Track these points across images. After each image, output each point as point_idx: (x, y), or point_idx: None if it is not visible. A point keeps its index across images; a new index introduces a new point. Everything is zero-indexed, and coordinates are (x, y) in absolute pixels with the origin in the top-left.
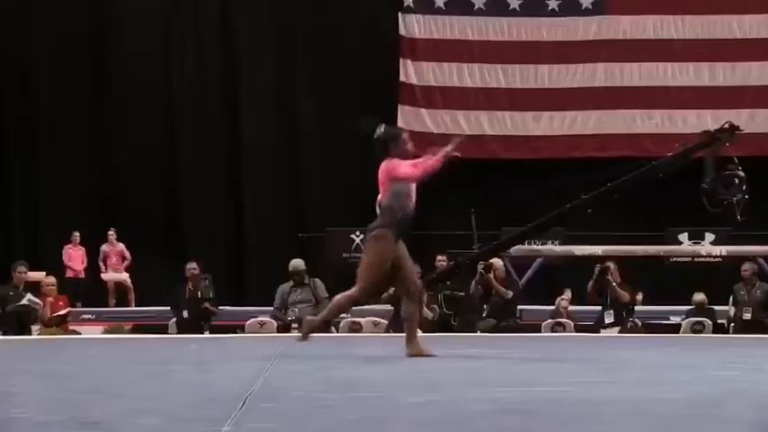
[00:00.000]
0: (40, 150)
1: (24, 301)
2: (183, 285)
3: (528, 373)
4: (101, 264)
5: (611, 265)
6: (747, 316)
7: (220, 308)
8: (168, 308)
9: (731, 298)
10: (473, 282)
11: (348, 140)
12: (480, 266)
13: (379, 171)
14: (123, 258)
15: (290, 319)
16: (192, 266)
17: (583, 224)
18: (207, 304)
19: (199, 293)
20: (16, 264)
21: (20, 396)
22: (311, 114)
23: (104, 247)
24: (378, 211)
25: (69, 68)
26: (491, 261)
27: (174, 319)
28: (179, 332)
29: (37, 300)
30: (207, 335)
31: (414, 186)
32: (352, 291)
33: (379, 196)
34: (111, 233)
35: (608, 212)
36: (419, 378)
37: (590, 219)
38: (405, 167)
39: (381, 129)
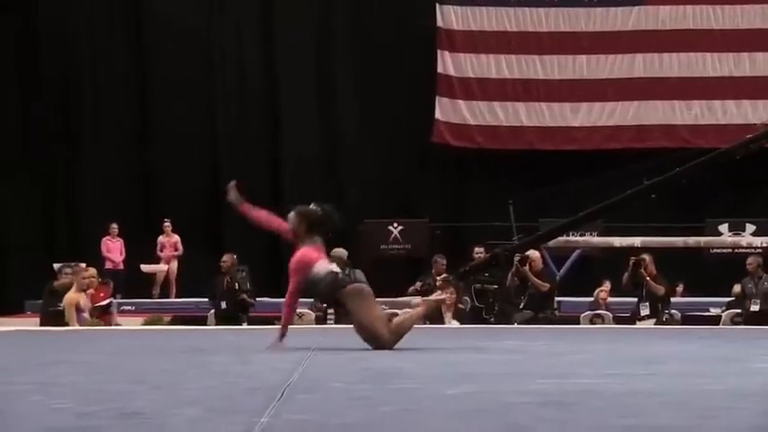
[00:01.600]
0: (81, 143)
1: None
2: (220, 277)
3: (566, 364)
4: (158, 254)
5: (646, 257)
6: (756, 308)
7: (258, 299)
8: (207, 299)
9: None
10: (510, 274)
11: (386, 134)
12: (516, 258)
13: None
14: (176, 250)
15: (328, 309)
16: (228, 258)
17: (621, 215)
18: (244, 296)
19: (236, 285)
20: (62, 266)
21: (62, 387)
22: (351, 107)
23: (161, 238)
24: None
25: (112, 61)
26: (527, 253)
27: (213, 311)
28: (217, 324)
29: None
30: (245, 326)
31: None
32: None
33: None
34: (167, 224)
35: (646, 203)
36: (456, 370)
37: (628, 210)
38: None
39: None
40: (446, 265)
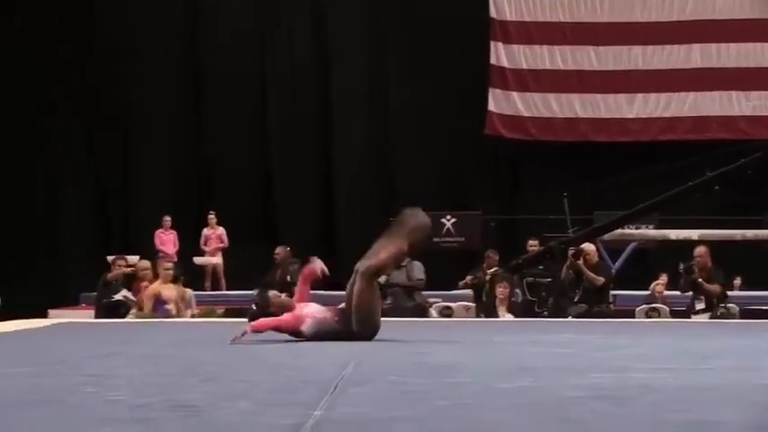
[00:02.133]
0: (134, 136)
1: (119, 297)
2: (273, 270)
3: (621, 358)
4: (202, 247)
5: (696, 260)
6: None
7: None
8: None
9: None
10: (564, 267)
11: (439, 126)
12: (571, 252)
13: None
14: (222, 243)
15: (387, 303)
16: (281, 251)
17: (676, 207)
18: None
19: (288, 278)
20: (116, 257)
21: (116, 379)
22: (403, 99)
23: (205, 231)
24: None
25: (163, 56)
26: (582, 247)
27: None
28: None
29: (132, 297)
30: None
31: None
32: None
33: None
34: (212, 216)
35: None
36: (511, 363)
37: (685, 202)
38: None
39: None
40: (499, 260)
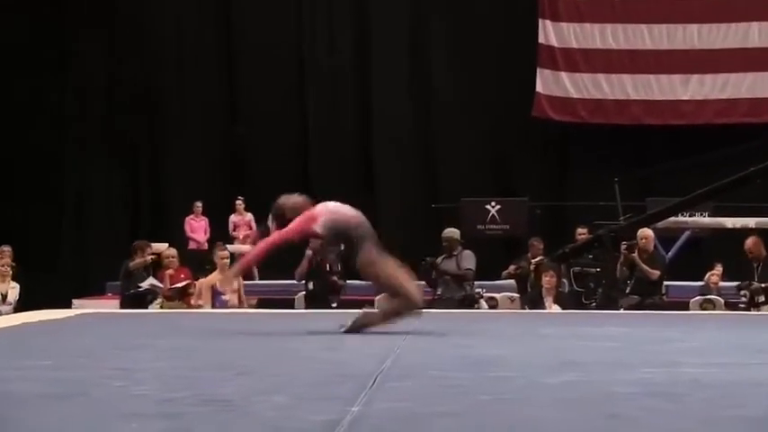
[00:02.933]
0: (165, 121)
1: (146, 285)
2: (308, 258)
3: (674, 352)
4: (232, 234)
5: (641, 242)
6: None
7: (350, 282)
8: (294, 281)
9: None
10: (618, 264)
11: (484, 108)
12: (624, 246)
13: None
14: (250, 229)
15: (438, 292)
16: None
17: (732, 194)
18: (334, 277)
19: (327, 266)
20: (138, 243)
21: (143, 372)
22: (446, 80)
23: (233, 218)
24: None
25: (195, 38)
26: (638, 233)
27: (302, 293)
28: (306, 306)
29: (159, 284)
30: (335, 309)
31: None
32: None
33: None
34: (239, 202)
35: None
36: (557, 357)
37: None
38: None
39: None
40: (544, 248)
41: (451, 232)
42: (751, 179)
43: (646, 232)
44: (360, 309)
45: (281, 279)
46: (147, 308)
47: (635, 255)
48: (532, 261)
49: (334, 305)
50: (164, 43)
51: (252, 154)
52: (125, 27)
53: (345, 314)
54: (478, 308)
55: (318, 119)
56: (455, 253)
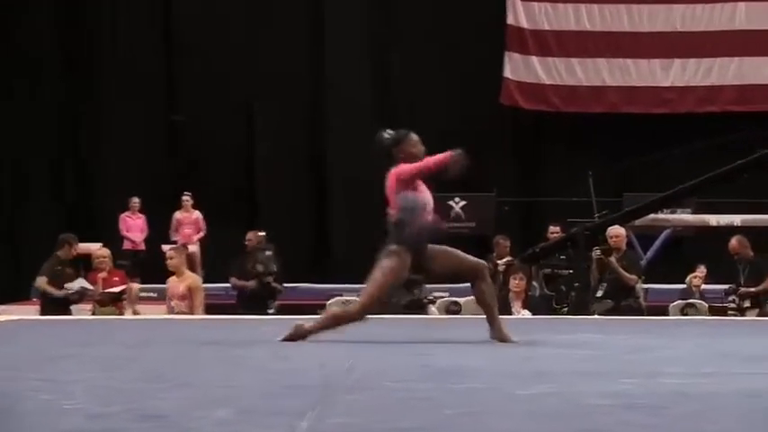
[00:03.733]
0: (100, 104)
1: (75, 287)
2: (242, 258)
3: (653, 362)
4: (171, 234)
5: (612, 241)
6: None
7: (296, 285)
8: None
9: None
10: (592, 267)
11: (447, 95)
12: (596, 252)
13: (387, 180)
14: (198, 229)
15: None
16: (253, 236)
17: (717, 189)
18: (269, 279)
19: (260, 267)
20: (65, 236)
21: (72, 385)
22: (406, 65)
23: (177, 215)
24: (389, 227)
25: (134, 25)
26: (610, 237)
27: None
28: (241, 312)
29: (90, 286)
30: (273, 315)
31: (428, 197)
32: (353, 308)
33: (390, 210)
34: (186, 198)
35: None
36: (527, 367)
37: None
38: (407, 166)
39: (385, 134)
40: (511, 247)
41: None
42: (737, 173)
43: (617, 230)
44: (300, 315)
45: (223, 282)
46: (72, 313)
47: (612, 259)
48: (499, 262)
49: (271, 311)
50: (98, 33)
51: (191, 144)
52: (60, 10)
53: (290, 320)
54: (426, 314)
55: (266, 106)
56: None
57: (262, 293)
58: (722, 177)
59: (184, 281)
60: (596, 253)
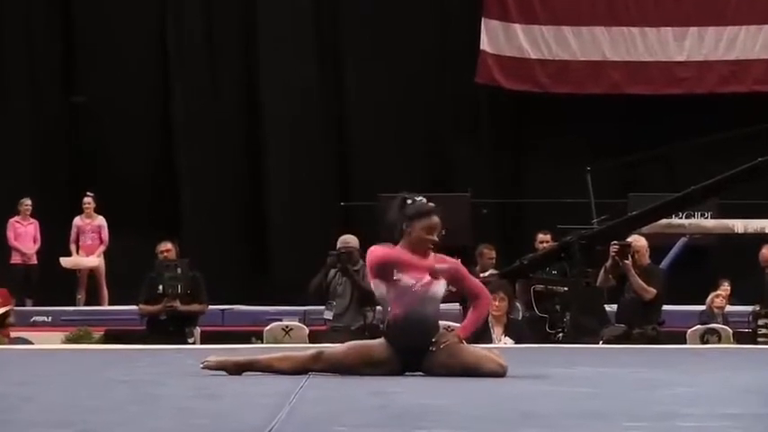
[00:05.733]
0: None
1: None
2: (149, 277)
3: (667, 401)
4: (72, 245)
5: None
6: None
7: (233, 307)
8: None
9: None
10: (602, 270)
11: (411, 75)
12: (614, 249)
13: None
14: (100, 238)
15: (326, 318)
16: (164, 248)
17: (743, 190)
18: (174, 304)
19: (160, 287)
20: None
21: None
22: (360, 37)
23: (78, 221)
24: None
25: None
26: (629, 240)
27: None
28: (150, 340)
29: None
30: (197, 345)
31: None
32: (306, 356)
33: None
34: (88, 200)
35: None
36: (511, 407)
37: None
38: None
39: (409, 199)
40: (497, 258)
41: (348, 240)
42: (766, 169)
43: (640, 243)
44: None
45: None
46: None
47: (628, 262)
48: (482, 275)
49: (191, 340)
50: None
51: (94, 135)
52: None
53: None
54: None
55: (190, 98)
56: (355, 268)
57: (171, 320)
58: (748, 174)
59: None
60: (614, 248)
